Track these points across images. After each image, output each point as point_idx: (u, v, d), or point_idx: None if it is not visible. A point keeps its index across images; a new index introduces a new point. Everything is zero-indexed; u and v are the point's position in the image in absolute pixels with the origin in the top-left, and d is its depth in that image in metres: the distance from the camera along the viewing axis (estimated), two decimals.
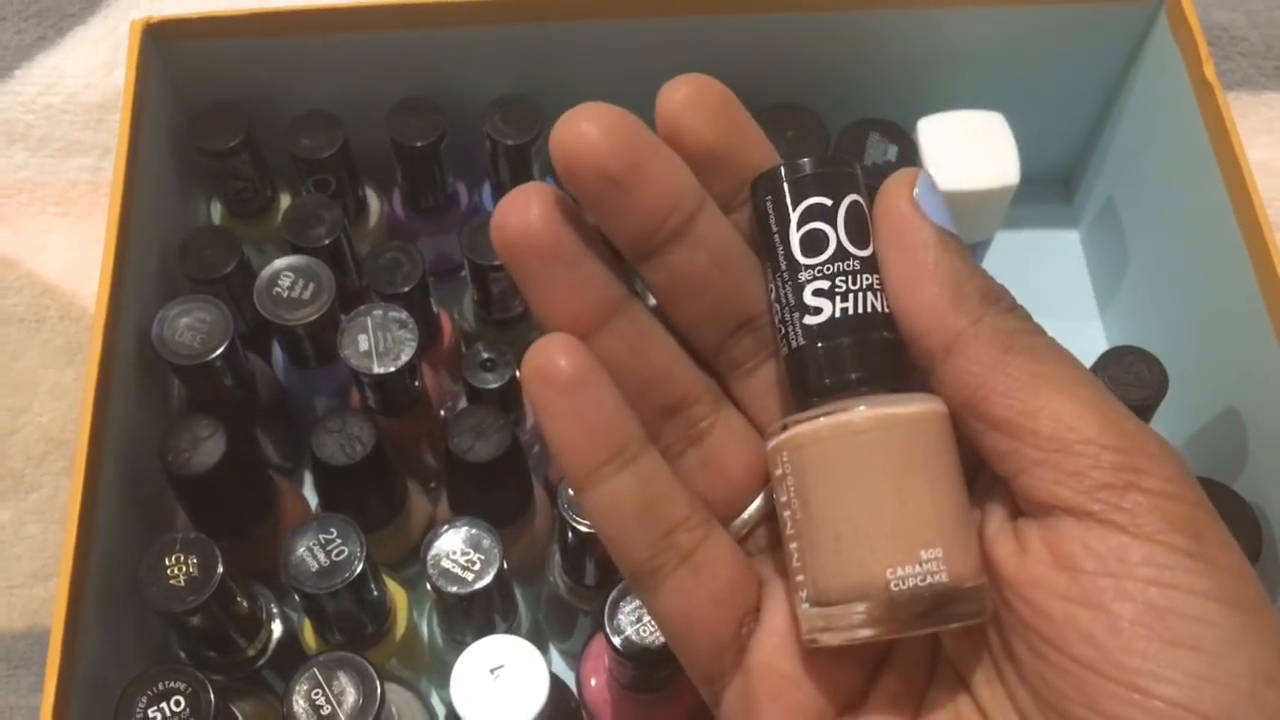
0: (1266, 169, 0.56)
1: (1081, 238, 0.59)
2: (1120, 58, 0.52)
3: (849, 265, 0.23)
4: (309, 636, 0.42)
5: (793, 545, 0.24)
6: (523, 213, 0.23)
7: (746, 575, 0.25)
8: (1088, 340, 0.56)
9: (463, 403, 0.46)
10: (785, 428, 0.24)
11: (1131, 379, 0.41)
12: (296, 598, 0.39)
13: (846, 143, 0.49)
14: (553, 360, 0.23)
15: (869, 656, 0.25)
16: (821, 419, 0.23)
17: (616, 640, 0.37)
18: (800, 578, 0.24)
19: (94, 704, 0.37)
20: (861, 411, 0.23)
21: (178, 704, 0.34)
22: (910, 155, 0.49)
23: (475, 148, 0.50)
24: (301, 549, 0.38)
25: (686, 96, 0.23)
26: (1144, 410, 0.42)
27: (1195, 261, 0.49)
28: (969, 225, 0.52)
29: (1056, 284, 0.58)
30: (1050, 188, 0.60)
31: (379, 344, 0.42)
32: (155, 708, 0.34)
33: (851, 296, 0.23)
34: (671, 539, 0.24)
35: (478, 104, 0.49)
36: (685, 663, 0.25)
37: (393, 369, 0.41)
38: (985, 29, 0.50)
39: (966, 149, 0.49)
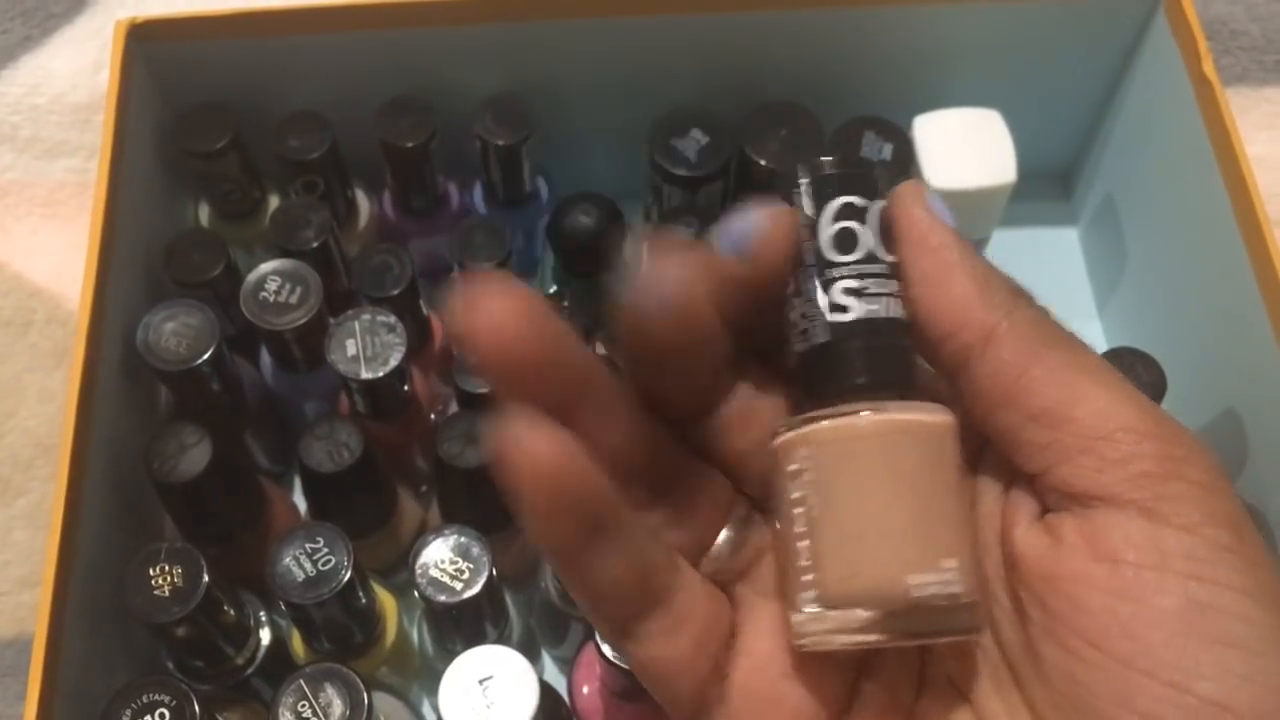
0: (1266, 164, 0.55)
1: (1080, 235, 0.58)
2: (1118, 53, 0.52)
3: (878, 268, 0.23)
4: (298, 644, 0.42)
5: (802, 544, 0.23)
6: (504, 327, 0.21)
7: (721, 608, 0.25)
8: (1086, 338, 0.55)
9: (453, 407, 0.46)
10: (809, 421, 0.23)
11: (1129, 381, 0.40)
12: (284, 607, 0.38)
13: (841, 141, 0.48)
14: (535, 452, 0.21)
15: (849, 670, 0.24)
16: (860, 414, 0.22)
17: (607, 649, 0.36)
18: (808, 577, 0.23)
19: (80, 714, 0.37)
20: (894, 415, 0.22)
21: (162, 716, 0.34)
22: (906, 154, 0.48)
23: (466, 147, 0.49)
24: (288, 558, 0.37)
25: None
26: None
27: (1194, 259, 0.48)
28: (966, 224, 0.51)
29: (1054, 282, 0.56)
30: (1048, 185, 0.59)
31: (367, 349, 0.41)
32: None
33: (880, 300, 0.23)
34: (646, 585, 0.23)
35: (468, 103, 0.48)
36: (669, 706, 0.24)
37: (381, 374, 0.41)
38: (981, 25, 0.49)
39: (963, 147, 0.48)
